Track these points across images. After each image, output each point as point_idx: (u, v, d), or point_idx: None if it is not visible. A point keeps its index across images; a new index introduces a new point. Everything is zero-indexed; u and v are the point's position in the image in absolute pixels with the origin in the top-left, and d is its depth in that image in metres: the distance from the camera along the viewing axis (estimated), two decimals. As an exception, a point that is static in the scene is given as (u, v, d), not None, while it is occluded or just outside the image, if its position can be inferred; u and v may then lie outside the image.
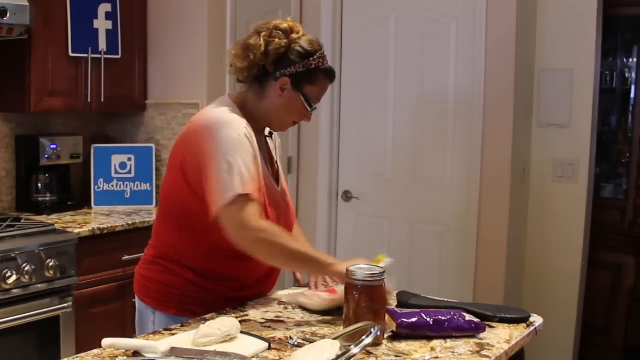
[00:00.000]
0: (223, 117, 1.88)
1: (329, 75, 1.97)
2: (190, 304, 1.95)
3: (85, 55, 3.43)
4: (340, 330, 1.67)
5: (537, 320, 1.88)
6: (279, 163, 2.13)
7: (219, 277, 1.96)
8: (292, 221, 2.11)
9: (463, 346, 1.66)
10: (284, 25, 1.92)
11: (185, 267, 1.95)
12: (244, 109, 1.95)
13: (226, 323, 1.66)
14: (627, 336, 3.94)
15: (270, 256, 1.87)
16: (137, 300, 2.06)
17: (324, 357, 1.42)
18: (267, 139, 2.11)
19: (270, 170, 2.04)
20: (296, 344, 1.65)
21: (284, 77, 1.91)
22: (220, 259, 1.93)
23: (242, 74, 1.95)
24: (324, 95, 2.02)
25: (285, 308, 1.95)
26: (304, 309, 1.94)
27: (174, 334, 1.71)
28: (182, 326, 1.78)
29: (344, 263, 1.79)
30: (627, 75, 4.33)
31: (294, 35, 1.92)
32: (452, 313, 1.74)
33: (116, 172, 3.66)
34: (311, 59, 1.91)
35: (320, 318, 1.87)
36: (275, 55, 1.90)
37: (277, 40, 1.90)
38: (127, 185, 3.67)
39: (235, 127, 1.85)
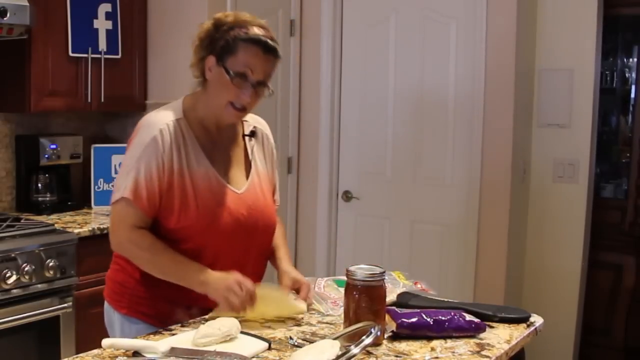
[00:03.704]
0: (149, 119, 1.95)
1: (252, 42, 1.84)
2: (140, 304, 1.94)
3: (85, 55, 3.43)
4: (340, 330, 1.67)
5: (537, 320, 1.88)
6: (255, 164, 2.03)
7: (159, 282, 1.89)
8: (262, 224, 1.98)
9: (463, 346, 1.66)
10: (218, 15, 1.91)
11: (133, 267, 1.93)
12: (196, 106, 1.94)
13: (226, 323, 1.66)
14: (628, 336, 3.93)
15: (137, 263, 1.91)
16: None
17: (324, 357, 1.42)
18: (246, 138, 2.04)
19: (227, 168, 1.96)
20: (296, 344, 1.65)
21: (209, 55, 1.88)
22: None
23: (194, 72, 1.95)
24: (276, 74, 1.93)
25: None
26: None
27: (174, 334, 1.71)
28: (182, 326, 1.78)
29: (220, 280, 1.80)
30: (627, 75, 4.33)
31: (227, 19, 1.88)
32: (452, 313, 1.74)
33: (116, 172, 3.64)
34: (230, 31, 1.85)
35: (321, 318, 1.87)
36: (206, 39, 1.89)
37: (205, 26, 1.90)
38: (127, 185, 3.66)
39: (153, 129, 1.89)
